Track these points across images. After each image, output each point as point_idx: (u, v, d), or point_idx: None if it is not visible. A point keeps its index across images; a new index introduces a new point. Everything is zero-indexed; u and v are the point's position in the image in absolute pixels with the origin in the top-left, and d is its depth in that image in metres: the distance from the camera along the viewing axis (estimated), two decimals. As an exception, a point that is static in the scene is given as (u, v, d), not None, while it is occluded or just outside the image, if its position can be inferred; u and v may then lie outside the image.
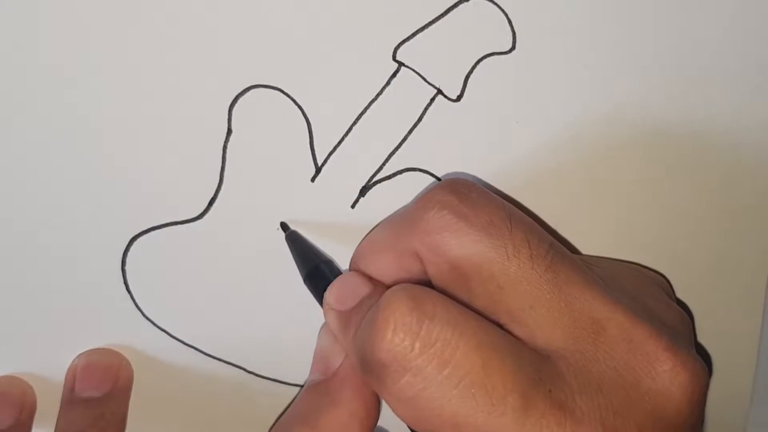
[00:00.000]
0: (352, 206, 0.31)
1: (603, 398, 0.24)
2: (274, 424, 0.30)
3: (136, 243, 0.30)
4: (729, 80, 0.31)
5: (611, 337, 0.25)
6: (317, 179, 0.31)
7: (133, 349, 0.32)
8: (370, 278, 0.29)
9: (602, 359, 0.25)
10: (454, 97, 0.30)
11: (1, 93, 0.28)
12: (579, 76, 0.31)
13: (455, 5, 0.29)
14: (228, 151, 0.30)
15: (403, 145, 0.31)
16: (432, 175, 0.31)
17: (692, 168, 0.32)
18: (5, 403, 0.30)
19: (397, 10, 0.29)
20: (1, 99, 0.28)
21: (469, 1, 0.30)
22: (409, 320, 0.24)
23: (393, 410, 0.25)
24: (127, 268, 0.30)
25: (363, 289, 0.28)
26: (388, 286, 0.26)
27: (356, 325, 0.26)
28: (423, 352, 0.23)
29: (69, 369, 0.31)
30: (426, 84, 0.30)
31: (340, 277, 0.29)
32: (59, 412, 0.31)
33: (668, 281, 0.33)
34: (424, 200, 0.26)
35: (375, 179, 0.31)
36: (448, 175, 0.31)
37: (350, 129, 0.30)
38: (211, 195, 0.30)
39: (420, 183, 0.31)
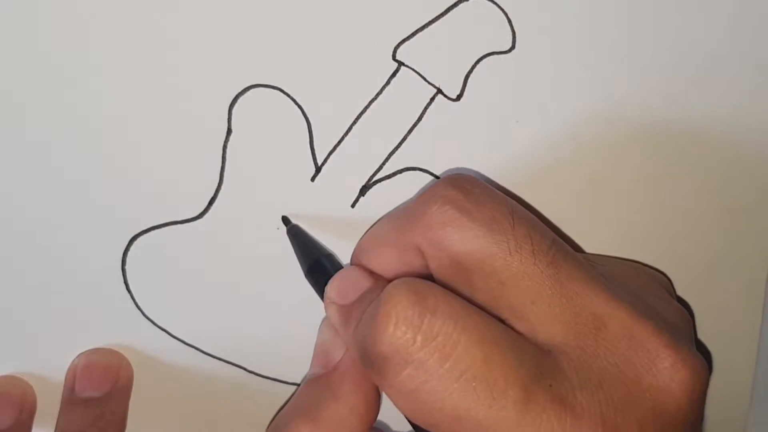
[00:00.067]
0: (352, 205, 0.31)
1: (603, 394, 0.24)
2: (273, 418, 0.30)
3: (136, 243, 0.30)
4: (728, 79, 0.31)
5: (612, 333, 0.25)
6: (317, 178, 0.31)
7: (133, 349, 0.32)
8: (371, 273, 0.29)
9: (603, 355, 0.25)
10: (454, 97, 0.30)
11: (1, 93, 0.28)
12: (579, 75, 0.31)
13: (455, 5, 0.29)
14: (228, 150, 0.30)
15: (403, 144, 0.31)
16: (432, 174, 0.31)
17: (692, 167, 0.32)
18: (5, 403, 0.30)
19: (397, 9, 0.29)
20: (1, 99, 0.28)
21: (469, 1, 0.30)
22: (410, 314, 0.24)
23: (394, 403, 0.25)
24: (127, 267, 0.30)
25: (364, 283, 0.28)
26: (390, 281, 0.26)
27: (357, 319, 0.26)
28: (424, 345, 0.23)
29: (69, 369, 0.31)
30: (426, 83, 0.30)
31: (341, 271, 0.29)
32: (59, 412, 0.31)
33: (669, 279, 0.33)
34: (426, 195, 0.26)
35: (375, 178, 0.31)
36: (448, 173, 0.31)
37: (350, 128, 0.30)
38: (211, 194, 0.30)
39: (420, 182, 0.31)
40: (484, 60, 0.30)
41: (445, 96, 0.30)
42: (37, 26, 0.27)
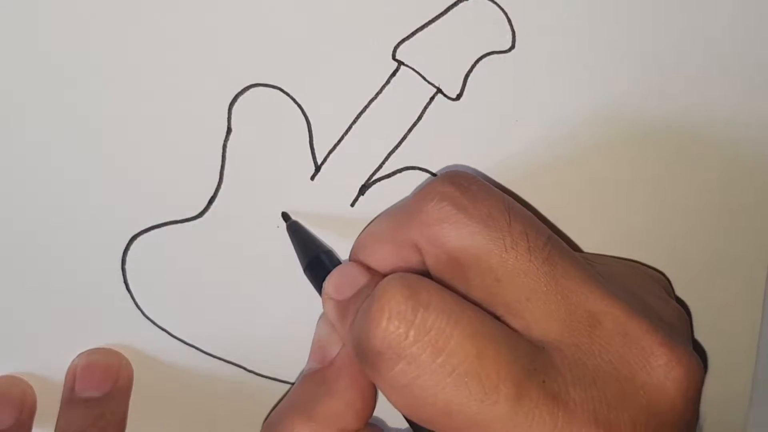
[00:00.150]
0: (352, 204, 0.31)
1: (597, 391, 0.24)
2: (269, 414, 0.30)
3: (136, 242, 0.30)
4: (728, 79, 0.31)
5: (607, 330, 0.25)
6: (317, 178, 0.31)
7: (133, 348, 0.32)
8: (369, 269, 0.29)
9: (597, 352, 0.25)
10: (454, 96, 0.30)
11: (1, 93, 0.28)
12: (578, 74, 0.31)
13: (455, 4, 0.29)
14: (228, 149, 0.30)
15: (403, 143, 0.31)
16: (431, 173, 0.31)
17: (691, 166, 0.32)
18: (5, 403, 0.30)
19: (397, 9, 0.29)
20: (1, 99, 0.28)
21: (469, 0, 0.30)
22: (404, 308, 0.24)
23: (387, 398, 0.25)
24: (127, 267, 0.30)
25: (361, 278, 0.28)
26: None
27: (353, 314, 0.26)
28: (417, 340, 0.23)
29: (69, 369, 0.31)
30: (426, 83, 0.30)
31: (339, 266, 0.29)
32: (59, 412, 0.31)
33: (668, 279, 0.33)
34: (423, 192, 0.26)
35: (375, 178, 0.31)
36: (445, 169, 0.31)
37: (350, 128, 0.30)
38: (211, 194, 0.30)
39: (419, 181, 0.31)
40: (484, 59, 0.30)
41: (444, 95, 0.30)
42: (37, 26, 0.27)
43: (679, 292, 0.33)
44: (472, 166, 0.31)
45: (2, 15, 0.27)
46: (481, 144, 0.31)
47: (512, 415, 0.23)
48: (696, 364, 0.25)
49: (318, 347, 0.30)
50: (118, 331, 0.31)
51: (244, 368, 0.33)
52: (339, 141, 0.30)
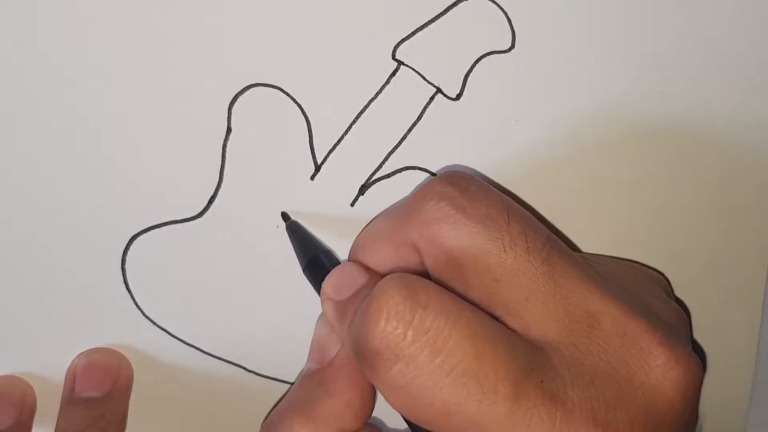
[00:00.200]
0: (352, 204, 0.31)
1: (595, 391, 0.24)
2: (269, 414, 0.30)
3: (136, 242, 0.30)
4: (728, 79, 0.31)
5: (605, 330, 0.25)
6: (317, 177, 0.31)
7: (133, 348, 0.32)
8: (367, 269, 0.29)
9: (596, 352, 0.25)
10: (454, 96, 0.30)
11: (1, 93, 0.28)
12: (578, 74, 0.31)
13: (454, 4, 0.29)
14: (228, 149, 0.30)
15: (403, 143, 0.31)
16: (431, 173, 0.31)
17: (691, 166, 0.32)
18: (5, 403, 0.30)
19: (397, 9, 0.29)
20: (1, 99, 0.28)
21: (469, 0, 0.30)
22: (402, 309, 0.24)
23: (386, 399, 0.25)
24: (127, 267, 0.30)
25: (360, 279, 0.28)
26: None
27: (352, 314, 0.26)
28: (415, 340, 0.23)
29: (69, 369, 0.31)
30: (425, 83, 0.30)
31: (337, 267, 0.29)
32: (59, 412, 0.31)
33: (667, 279, 0.33)
34: (422, 192, 0.26)
35: (374, 177, 0.31)
36: (444, 169, 0.31)
37: (350, 127, 0.30)
38: (211, 194, 0.30)
39: (419, 181, 0.31)
40: (484, 59, 0.30)
41: (444, 95, 0.30)
42: (37, 26, 0.27)
43: (678, 293, 0.33)
44: (472, 166, 0.31)
45: (2, 15, 0.27)
46: (480, 144, 0.31)
47: (510, 415, 0.23)
48: (695, 364, 0.25)
49: (317, 347, 0.30)
50: (118, 331, 0.31)
51: (244, 368, 0.33)
52: (339, 141, 0.30)
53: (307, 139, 0.30)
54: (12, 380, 0.31)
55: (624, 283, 0.28)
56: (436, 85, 0.30)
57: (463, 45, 0.30)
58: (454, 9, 0.30)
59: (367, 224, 0.31)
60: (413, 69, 0.30)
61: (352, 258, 0.30)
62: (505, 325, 0.25)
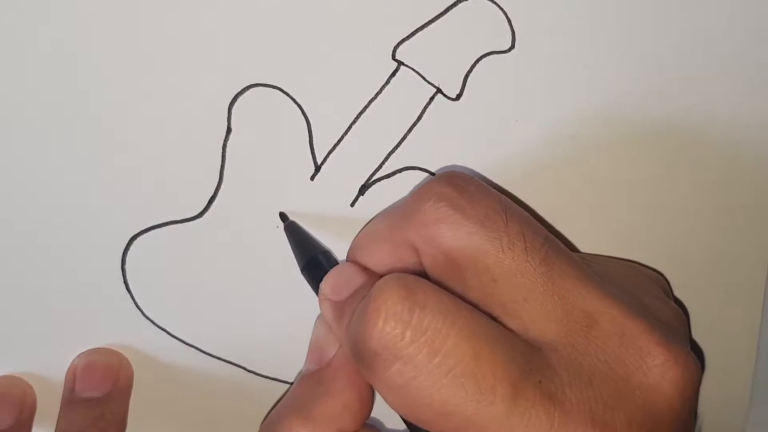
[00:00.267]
0: (352, 204, 0.31)
1: (593, 391, 0.24)
2: (267, 415, 0.30)
3: (135, 242, 0.30)
4: (728, 79, 0.31)
5: (604, 330, 0.25)
6: (317, 178, 0.31)
7: (133, 348, 0.32)
8: (366, 269, 0.29)
9: (594, 352, 0.25)
10: (454, 96, 0.30)
11: (1, 93, 0.28)
12: (578, 75, 0.31)
13: (454, 4, 0.29)
14: (228, 149, 0.30)
15: (403, 143, 0.31)
16: (431, 173, 0.31)
17: (691, 166, 0.32)
18: (5, 403, 0.30)
19: (397, 9, 0.29)
20: (1, 99, 0.28)
21: (469, 0, 0.30)
22: (400, 309, 0.24)
23: (384, 399, 0.25)
24: (126, 267, 0.30)
25: (358, 279, 0.28)
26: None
27: (350, 315, 0.26)
28: (414, 340, 0.23)
29: (69, 369, 0.31)
30: (425, 83, 0.30)
31: (335, 267, 0.29)
32: (59, 412, 0.31)
33: (666, 280, 0.33)
34: (420, 192, 0.26)
35: (374, 178, 0.31)
36: (449, 169, 0.31)
37: (350, 128, 0.30)
38: (211, 194, 0.30)
39: (419, 181, 0.31)
40: (484, 59, 0.30)
41: (444, 95, 0.30)
42: (37, 26, 0.27)
43: (678, 293, 0.33)
44: (472, 166, 0.31)
45: (2, 15, 0.27)
46: (480, 144, 0.31)
47: (508, 415, 0.23)
48: (693, 364, 0.25)
49: (315, 348, 0.30)
50: (118, 331, 0.31)
51: (244, 368, 0.33)
52: (339, 141, 0.30)
53: (307, 139, 0.30)
54: (12, 380, 0.31)
55: (623, 283, 0.28)
56: (436, 85, 0.30)
57: (463, 45, 0.30)
58: (454, 9, 0.30)
59: (366, 224, 0.31)
60: (413, 69, 0.30)
61: (351, 258, 0.30)
62: (504, 326, 0.25)
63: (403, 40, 0.30)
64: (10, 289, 0.30)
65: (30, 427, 0.31)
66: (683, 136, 0.32)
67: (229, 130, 0.30)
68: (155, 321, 0.31)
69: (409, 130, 0.31)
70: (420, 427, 0.25)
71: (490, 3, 0.30)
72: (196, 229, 0.30)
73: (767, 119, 0.32)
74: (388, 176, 0.31)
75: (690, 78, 0.31)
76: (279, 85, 0.29)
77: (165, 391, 0.32)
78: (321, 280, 0.29)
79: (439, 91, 0.30)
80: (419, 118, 0.30)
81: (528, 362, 0.24)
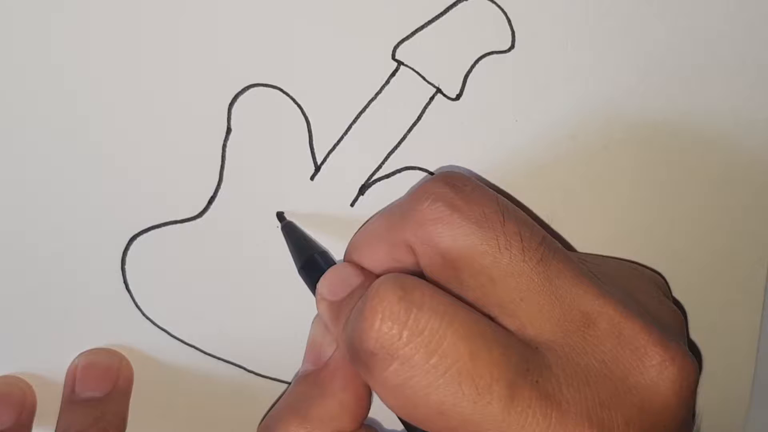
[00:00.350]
0: (352, 204, 0.31)
1: (590, 390, 0.24)
2: (265, 416, 0.30)
3: (135, 242, 0.30)
4: (728, 79, 0.31)
5: (601, 330, 0.25)
6: (317, 177, 0.31)
7: (133, 348, 0.32)
8: (363, 269, 0.29)
9: (591, 352, 0.25)
10: (454, 96, 0.30)
11: (2, 93, 0.28)
12: (578, 74, 0.31)
13: (454, 4, 0.29)
14: (227, 149, 0.30)
15: (403, 143, 0.31)
16: (431, 173, 0.31)
17: (691, 166, 0.32)
18: (5, 403, 0.30)
19: (397, 9, 0.29)
20: (1, 99, 0.28)
21: (469, 0, 0.30)
22: (397, 309, 0.24)
23: (381, 399, 0.25)
24: (126, 267, 0.30)
25: (355, 279, 0.28)
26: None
27: (347, 315, 0.26)
28: (411, 340, 0.23)
29: (69, 369, 0.31)
30: (425, 83, 0.30)
31: (332, 267, 0.29)
32: (59, 412, 0.31)
33: (665, 280, 0.33)
34: (418, 192, 0.26)
35: (374, 178, 0.31)
36: (447, 169, 0.31)
37: (349, 128, 0.30)
38: (211, 194, 0.30)
39: (419, 181, 0.31)
40: (484, 59, 0.30)
41: (444, 95, 0.30)
42: (37, 26, 0.27)
43: (678, 293, 0.33)
44: (472, 165, 0.31)
45: (2, 15, 0.27)
46: (480, 144, 0.31)
47: (505, 415, 0.23)
48: (690, 364, 0.25)
49: (312, 348, 0.30)
50: (118, 331, 0.31)
51: (244, 368, 0.33)
52: (339, 141, 0.30)
53: (307, 139, 0.30)
54: (12, 380, 0.31)
55: (620, 283, 0.28)
56: (436, 85, 0.30)
57: (463, 45, 0.30)
58: (454, 9, 0.30)
59: (363, 225, 0.31)
60: (413, 69, 0.30)
61: (348, 258, 0.30)
62: (501, 326, 0.25)
63: (403, 40, 0.30)
64: (10, 289, 0.30)
65: (30, 427, 0.31)
66: (683, 136, 0.32)
67: (229, 130, 0.30)
68: (155, 321, 0.31)
69: (409, 130, 0.31)
70: (417, 427, 0.25)
71: (490, 3, 0.30)
72: (196, 229, 0.30)
73: (767, 119, 0.32)
74: (387, 176, 0.31)
75: (690, 78, 0.31)
76: (279, 85, 0.29)
77: (165, 391, 0.32)
78: (318, 281, 0.29)
79: (439, 91, 0.30)
80: (419, 118, 0.30)
81: (525, 362, 0.24)
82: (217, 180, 0.30)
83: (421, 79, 0.30)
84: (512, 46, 0.30)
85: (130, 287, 0.31)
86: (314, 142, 0.30)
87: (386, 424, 0.33)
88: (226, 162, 0.30)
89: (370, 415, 0.29)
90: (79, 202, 0.29)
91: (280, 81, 0.29)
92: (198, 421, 0.33)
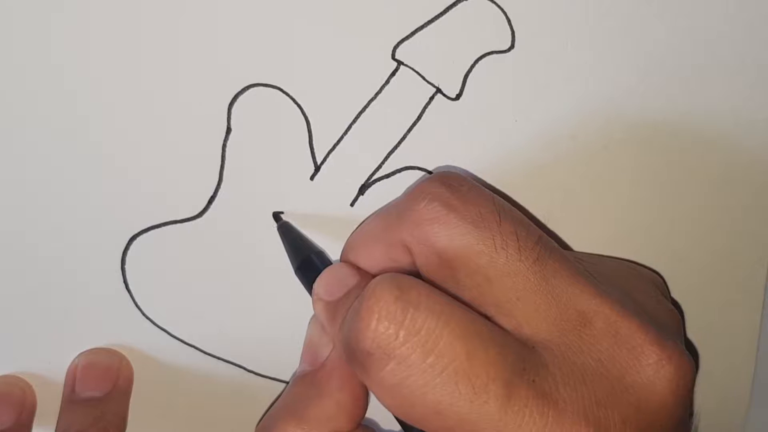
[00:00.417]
0: (352, 204, 0.31)
1: (587, 389, 0.24)
2: (262, 417, 0.30)
3: (135, 242, 0.30)
4: (728, 79, 0.31)
5: (597, 329, 0.25)
6: (316, 177, 0.31)
7: (133, 348, 0.32)
8: (359, 269, 0.29)
9: (587, 351, 0.25)
10: (453, 96, 0.30)
11: (2, 93, 0.28)
12: (578, 74, 0.31)
13: (454, 4, 0.29)
14: (227, 149, 0.30)
15: (403, 143, 0.31)
16: (430, 173, 0.31)
17: (691, 166, 0.32)
18: (5, 403, 0.30)
19: (397, 9, 0.29)
20: (1, 99, 0.28)
21: (468, 0, 0.30)
22: (393, 309, 0.24)
23: (378, 399, 0.25)
24: (126, 267, 0.30)
25: (351, 279, 0.28)
26: None
27: (343, 315, 0.26)
28: (407, 340, 0.23)
29: (69, 369, 0.31)
30: (425, 83, 0.30)
31: (329, 267, 0.29)
32: (59, 412, 0.31)
33: (663, 279, 0.33)
34: (414, 192, 0.26)
35: (374, 177, 0.31)
36: (445, 168, 0.31)
37: (349, 127, 0.30)
38: (211, 193, 0.30)
39: (419, 181, 0.31)
40: (484, 59, 0.30)
41: (444, 95, 0.30)
42: (36, 26, 0.27)
43: (679, 293, 0.33)
44: (472, 165, 0.31)
45: (2, 15, 0.27)
46: (480, 144, 0.31)
47: (502, 414, 0.23)
48: (686, 363, 0.25)
49: (309, 349, 0.30)
50: (118, 331, 0.31)
51: (244, 368, 0.33)
52: (339, 141, 0.30)
53: (307, 139, 0.30)
54: (12, 380, 0.31)
55: (617, 282, 0.28)
56: (436, 85, 0.30)
57: (463, 45, 0.30)
58: (454, 9, 0.30)
59: (359, 225, 0.31)
60: (413, 69, 0.30)
61: (344, 258, 0.30)
62: (497, 325, 0.25)
63: (403, 40, 0.30)
64: (10, 289, 0.30)
65: (30, 427, 0.31)
66: (683, 136, 0.32)
67: (228, 130, 0.30)
68: (155, 321, 0.31)
69: (409, 130, 0.31)
70: (414, 427, 0.25)
71: (490, 3, 0.30)
72: (196, 229, 0.30)
73: (767, 119, 0.32)
74: (387, 176, 0.31)
75: (690, 78, 0.31)
76: (279, 85, 0.29)
77: (165, 391, 0.32)
78: (314, 281, 0.29)
79: (438, 90, 0.30)
80: (419, 118, 0.30)
81: (522, 361, 0.24)
82: (216, 180, 0.30)
83: (421, 79, 0.30)
84: (512, 46, 0.30)
85: (130, 287, 0.31)
86: (314, 142, 0.30)
87: (383, 425, 0.33)
88: (226, 162, 0.30)
89: (368, 415, 0.29)
90: (79, 202, 0.30)
91: (280, 81, 0.29)
92: (198, 421, 0.33)
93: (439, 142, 0.31)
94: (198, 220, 0.30)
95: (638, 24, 0.31)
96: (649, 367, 0.25)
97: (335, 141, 0.30)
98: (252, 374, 0.33)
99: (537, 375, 0.24)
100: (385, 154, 0.31)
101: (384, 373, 0.24)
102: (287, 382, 0.33)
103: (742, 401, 0.35)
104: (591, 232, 0.33)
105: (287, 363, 0.32)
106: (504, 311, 0.25)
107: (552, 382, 0.24)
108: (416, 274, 0.27)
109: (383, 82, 0.30)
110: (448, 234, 0.26)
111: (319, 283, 0.28)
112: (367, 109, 0.30)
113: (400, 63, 0.30)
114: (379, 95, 0.30)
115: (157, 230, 0.30)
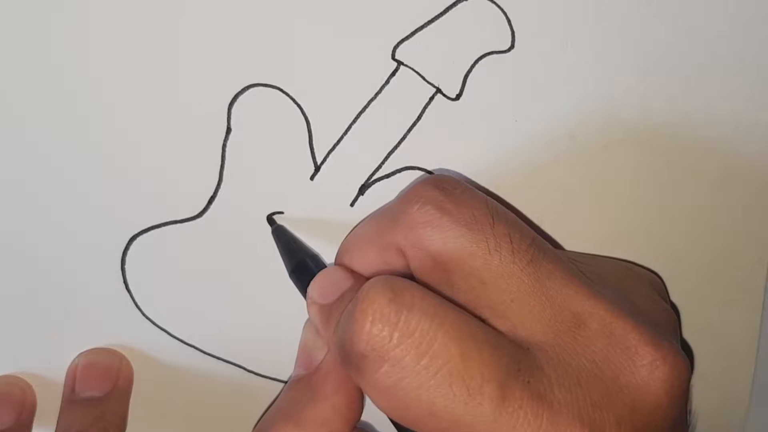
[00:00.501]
0: (352, 204, 0.31)
1: (581, 391, 0.24)
2: (258, 421, 0.30)
3: (135, 242, 0.30)
4: (728, 80, 0.31)
5: (592, 330, 0.25)
6: (316, 177, 0.31)
7: (133, 348, 0.32)
8: (353, 272, 0.29)
9: (582, 352, 0.25)
10: (453, 96, 0.30)
11: (2, 93, 0.28)
12: (578, 74, 0.31)
13: (454, 4, 0.29)
14: (227, 149, 0.30)
15: (402, 143, 0.31)
16: (430, 173, 0.31)
17: (691, 166, 0.32)
18: (5, 403, 0.30)
19: (397, 9, 0.29)
20: (1, 99, 0.28)
21: (468, 0, 0.30)
22: (387, 311, 0.24)
23: (372, 401, 0.25)
24: (126, 267, 0.30)
25: (345, 282, 0.28)
26: None
27: (338, 318, 0.26)
28: (401, 342, 0.23)
29: (69, 369, 0.31)
30: (425, 83, 0.30)
31: (323, 271, 0.29)
32: (59, 412, 0.31)
33: (661, 280, 0.33)
34: (407, 195, 0.26)
35: (374, 178, 0.31)
36: (440, 171, 0.31)
37: (349, 128, 0.30)
38: (211, 193, 0.30)
39: (419, 181, 0.31)
40: (484, 59, 0.30)
41: (444, 95, 0.30)
42: (36, 26, 0.27)
43: (678, 293, 0.33)
44: (472, 165, 0.31)
45: (2, 15, 0.27)
46: (480, 144, 0.31)
47: (497, 416, 0.23)
48: (681, 363, 0.25)
49: (303, 352, 0.30)
50: (118, 331, 0.31)
51: (244, 368, 0.33)
52: (338, 141, 0.30)
53: (307, 139, 0.30)
54: (12, 380, 0.31)
55: (612, 283, 0.28)
56: (436, 85, 0.30)
57: (463, 45, 0.30)
58: (454, 9, 0.30)
59: (354, 228, 0.31)
60: (413, 69, 0.30)
61: (338, 261, 0.30)
62: (492, 327, 0.25)
63: (402, 40, 0.30)
64: (10, 289, 0.30)
65: (30, 427, 0.31)
66: (683, 136, 0.32)
67: (228, 130, 0.30)
68: (155, 321, 0.31)
69: (409, 130, 0.31)
70: (409, 429, 0.25)
71: (490, 3, 0.30)
72: (195, 229, 0.30)
73: (767, 119, 0.32)
74: (387, 176, 0.31)
75: (690, 78, 0.31)
76: (279, 85, 0.29)
77: (165, 391, 0.32)
78: (308, 284, 0.29)
79: (438, 91, 0.30)
80: (419, 118, 0.30)
81: (516, 363, 0.24)
82: (216, 180, 0.30)
83: (421, 79, 0.30)
84: (512, 46, 0.30)
85: (130, 287, 0.31)
86: (314, 142, 0.30)
87: (379, 427, 0.33)
88: (226, 162, 0.30)
89: (363, 417, 0.29)
90: (79, 202, 0.30)
91: (280, 81, 0.29)
92: (198, 421, 0.33)
93: (439, 142, 0.31)
94: (198, 220, 0.30)
95: (638, 24, 0.31)
96: (644, 368, 0.25)
97: (335, 141, 0.30)
98: (252, 374, 0.33)
99: (532, 376, 0.24)
100: (385, 154, 0.31)
101: (378, 375, 0.24)
102: (286, 382, 0.33)
103: (741, 402, 0.35)
104: (590, 232, 0.33)
105: (287, 363, 0.32)
106: (498, 313, 0.25)
107: (547, 384, 0.24)
108: (410, 277, 0.27)
109: (383, 82, 0.30)
110: (441, 237, 0.26)
111: (313, 287, 0.29)
112: (367, 109, 0.30)
113: (400, 63, 0.30)
114: (379, 95, 0.30)
115: (157, 230, 0.30)
